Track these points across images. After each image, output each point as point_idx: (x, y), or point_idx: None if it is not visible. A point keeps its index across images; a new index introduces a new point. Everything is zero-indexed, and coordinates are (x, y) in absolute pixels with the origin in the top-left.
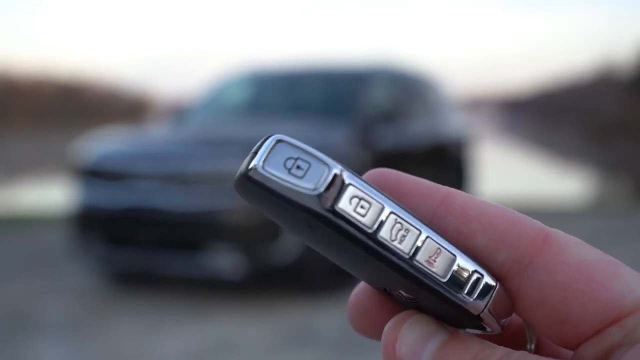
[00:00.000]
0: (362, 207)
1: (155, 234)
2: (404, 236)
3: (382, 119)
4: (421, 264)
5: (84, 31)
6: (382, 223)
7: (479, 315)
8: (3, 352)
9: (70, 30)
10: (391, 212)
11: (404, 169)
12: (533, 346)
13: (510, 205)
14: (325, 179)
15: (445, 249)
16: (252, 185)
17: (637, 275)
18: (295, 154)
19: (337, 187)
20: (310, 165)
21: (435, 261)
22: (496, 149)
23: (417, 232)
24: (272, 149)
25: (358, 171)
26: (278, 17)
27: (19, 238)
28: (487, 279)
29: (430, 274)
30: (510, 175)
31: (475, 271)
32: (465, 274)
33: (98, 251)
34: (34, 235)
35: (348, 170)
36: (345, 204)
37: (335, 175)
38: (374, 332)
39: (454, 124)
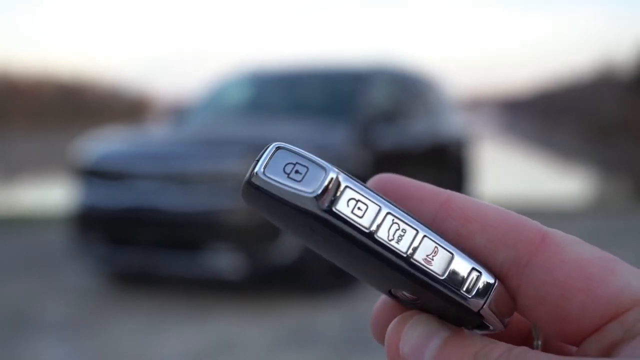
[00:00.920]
0: (359, 208)
1: (155, 234)
2: (401, 236)
3: (382, 119)
4: (419, 262)
5: (84, 31)
6: (379, 224)
7: (479, 312)
8: (3, 352)
9: (70, 30)
10: (388, 213)
11: (404, 168)
12: (540, 343)
13: (510, 205)
14: (322, 182)
15: (443, 247)
16: (254, 191)
17: (634, 270)
18: (294, 159)
19: (334, 189)
20: (308, 169)
21: (433, 259)
22: (496, 149)
23: (414, 231)
24: (272, 155)
25: (358, 171)
26: (278, 17)
27: (19, 238)
28: (486, 277)
29: (428, 272)
30: (510, 175)
31: (474, 269)
32: (464, 272)
33: (98, 251)
34: (34, 235)
35: (345, 173)
36: (342, 206)
37: (332, 179)
38: None
39: (454, 124)
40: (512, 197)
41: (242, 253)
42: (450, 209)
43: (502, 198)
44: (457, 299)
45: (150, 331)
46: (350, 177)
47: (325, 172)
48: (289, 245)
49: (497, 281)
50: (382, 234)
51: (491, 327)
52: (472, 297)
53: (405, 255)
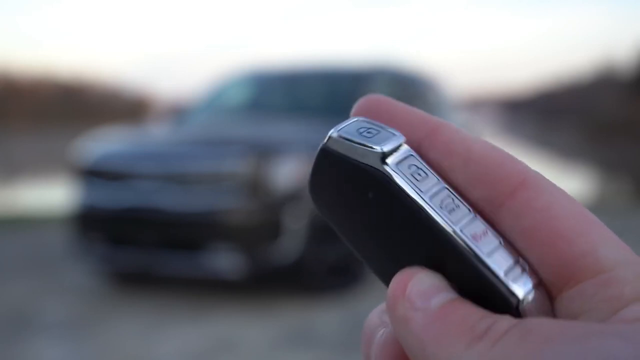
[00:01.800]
0: (419, 174)
1: (155, 234)
2: (453, 209)
3: None
4: (467, 237)
5: (84, 31)
6: (436, 192)
7: (517, 306)
8: (3, 352)
9: (70, 30)
10: (445, 187)
11: None
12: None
13: None
14: (391, 143)
15: (492, 233)
16: (325, 161)
17: (609, 237)
18: (369, 125)
19: (400, 152)
20: (379, 132)
21: (481, 239)
22: None
23: (467, 210)
24: (349, 124)
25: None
26: (278, 18)
27: (19, 238)
28: (530, 274)
29: (474, 249)
30: None
31: (519, 261)
32: (509, 260)
33: (98, 251)
34: (34, 235)
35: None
36: (404, 168)
37: (400, 143)
38: None
39: (455, 123)
40: None
41: (242, 253)
42: (436, 140)
43: None
44: (498, 284)
45: (150, 331)
46: (414, 151)
47: (395, 136)
48: (289, 245)
49: (541, 281)
50: (436, 202)
51: None
52: (518, 284)
53: (455, 227)
